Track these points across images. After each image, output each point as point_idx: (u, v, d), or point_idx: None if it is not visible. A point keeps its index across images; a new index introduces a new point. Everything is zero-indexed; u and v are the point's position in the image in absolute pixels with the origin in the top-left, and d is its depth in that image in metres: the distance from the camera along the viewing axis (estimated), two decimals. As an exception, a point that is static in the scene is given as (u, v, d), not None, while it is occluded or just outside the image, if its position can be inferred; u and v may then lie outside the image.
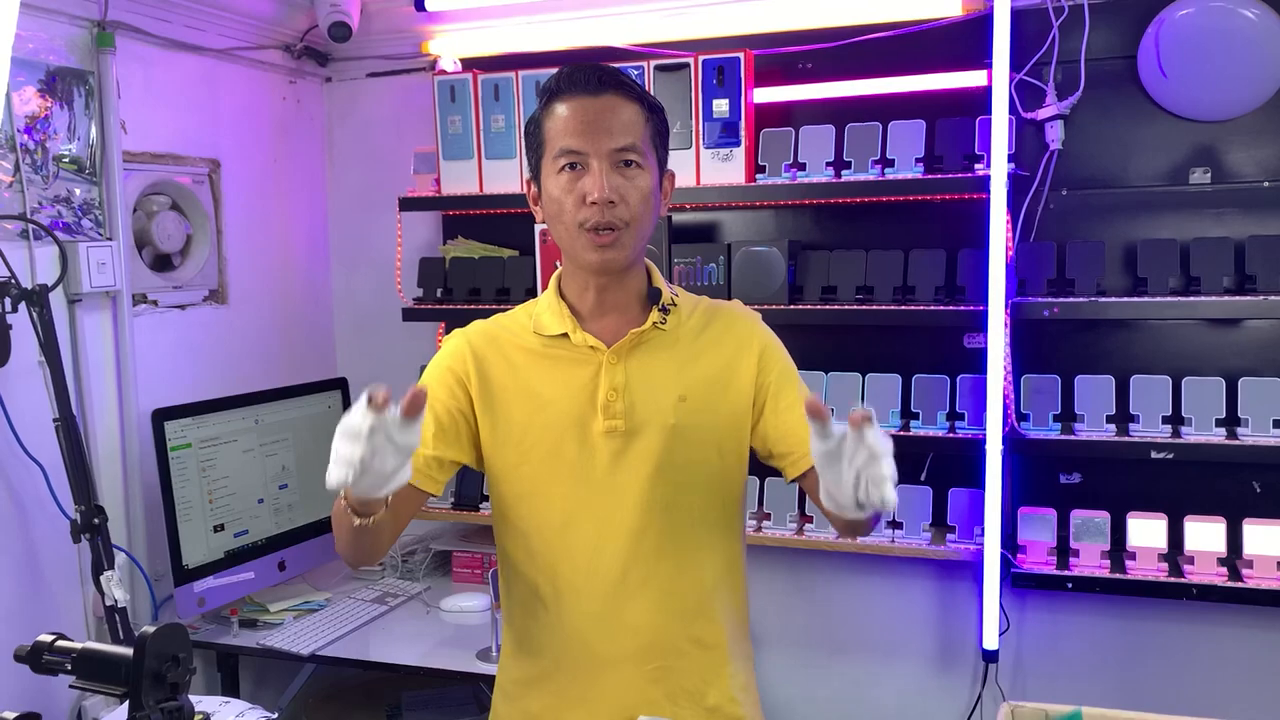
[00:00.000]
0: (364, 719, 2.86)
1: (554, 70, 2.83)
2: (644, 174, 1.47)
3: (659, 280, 1.58)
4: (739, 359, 1.57)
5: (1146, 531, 2.43)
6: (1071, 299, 2.44)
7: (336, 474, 1.18)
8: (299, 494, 2.83)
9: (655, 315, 1.54)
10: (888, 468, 1.15)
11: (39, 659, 1.13)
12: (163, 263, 2.77)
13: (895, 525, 2.61)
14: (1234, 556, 2.40)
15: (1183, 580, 2.37)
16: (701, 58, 2.62)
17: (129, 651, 1.06)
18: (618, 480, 1.51)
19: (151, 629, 1.06)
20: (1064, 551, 2.51)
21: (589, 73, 1.48)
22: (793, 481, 1.57)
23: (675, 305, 1.57)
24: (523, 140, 1.58)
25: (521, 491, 1.55)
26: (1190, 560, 2.40)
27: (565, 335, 1.53)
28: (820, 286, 2.64)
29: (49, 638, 1.14)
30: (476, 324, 1.62)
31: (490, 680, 2.43)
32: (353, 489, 1.22)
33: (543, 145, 1.49)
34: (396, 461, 1.20)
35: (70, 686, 1.13)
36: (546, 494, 1.53)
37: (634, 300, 1.55)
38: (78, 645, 1.12)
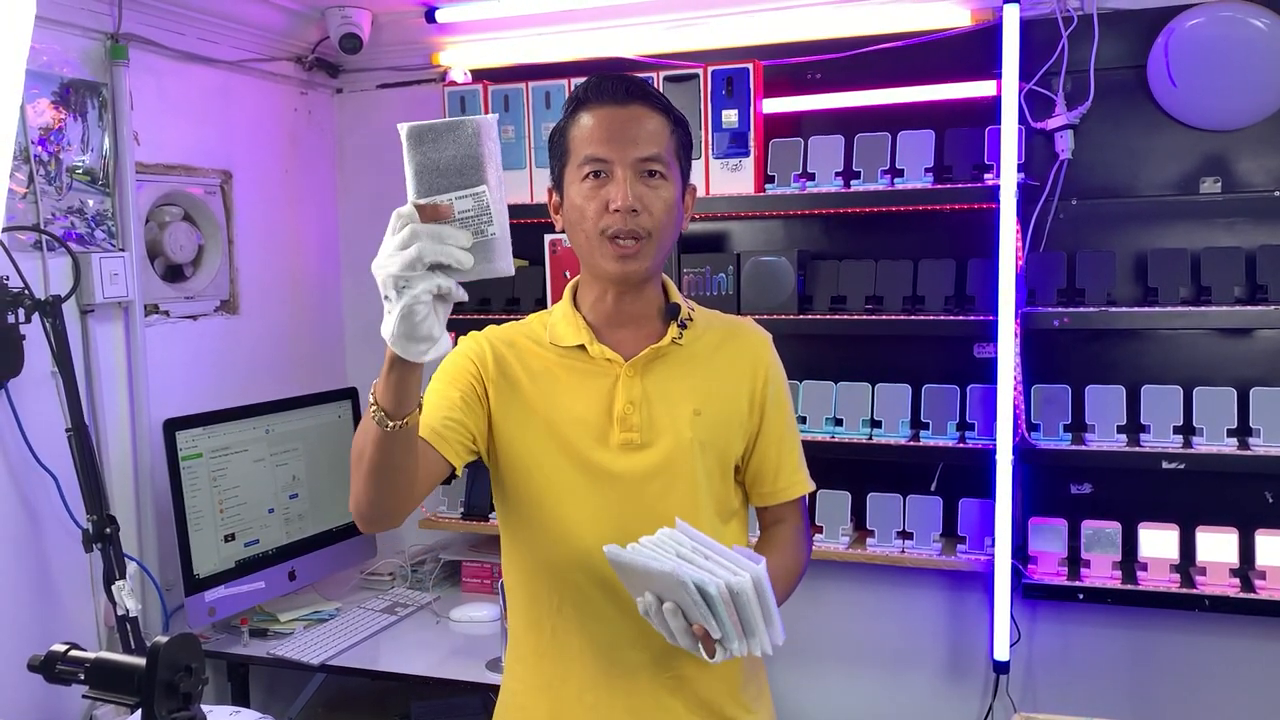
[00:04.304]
0: (373, 729, 2.86)
1: (564, 81, 2.84)
2: (667, 185, 1.48)
3: (676, 295, 1.59)
4: (748, 380, 1.58)
5: (1158, 542, 2.42)
6: (1082, 309, 2.43)
7: (415, 287, 1.10)
8: (309, 504, 2.84)
9: (674, 331, 1.54)
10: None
11: (52, 669, 1.13)
12: (175, 273, 2.79)
13: (906, 536, 2.61)
14: (1246, 567, 2.39)
15: (1194, 591, 2.36)
16: (711, 68, 2.63)
17: (142, 661, 1.06)
18: (632, 493, 1.51)
19: (164, 639, 1.06)
20: (1075, 562, 2.50)
21: (616, 82, 1.49)
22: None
23: (692, 320, 1.58)
24: (546, 149, 1.58)
25: (534, 501, 1.55)
26: (1202, 571, 2.39)
27: (582, 347, 1.53)
28: (829, 296, 2.64)
29: (62, 647, 1.14)
30: (493, 328, 1.61)
31: (499, 690, 2.44)
32: (400, 344, 1.15)
33: (567, 153, 1.49)
34: (443, 283, 1.13)
35: (83, 696, 1.13)
36: (561, 504, 1.53)
37: (651, 313, 1.56)
38: (91, 655, 1.12)
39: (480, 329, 1.63)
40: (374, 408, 1.27)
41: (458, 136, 1.14)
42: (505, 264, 1.17)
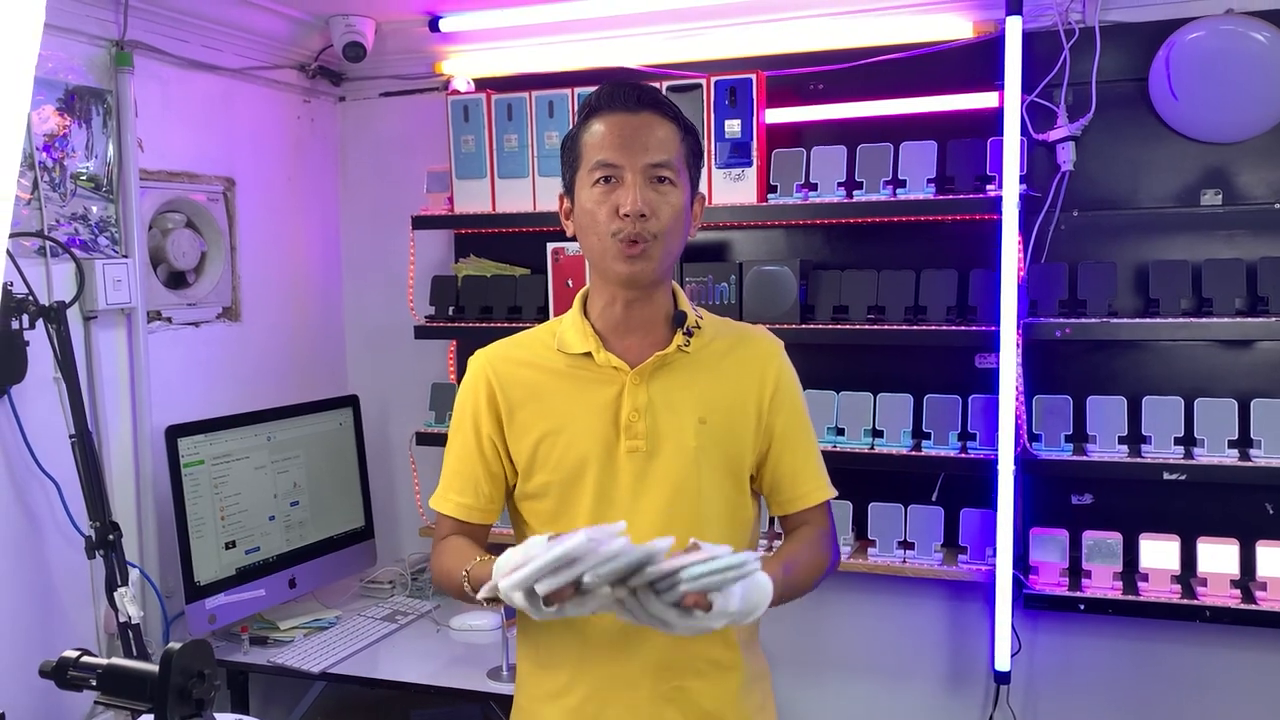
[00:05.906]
0: (373, 737, 2.86)
1: (567, 91, 2.85)
2: (676, 191, 1.50)
3: (684, 303, 1.60)
4: (755, 389, 1.59)
5: (1159, 553, 2.43)
6: (1083, 320, 2.44)
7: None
8: (310, 511, 2.83)
9: (679, 339, 1.55)
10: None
11: (64, 675, 1.13)
12: (177, 280, 2.79)
13: (907, 546, 2.61)
14: (1247, 579, 2.40)
15: (1195, 602, 2.37)
16: (714, 78, 2.64)
17: (154, 668, 1.07)
18: (639, 501, 1.52)
19: (177, 645, 1.06)
20: (1076, 573, 2.50)
21: (628, 90, 1.51)
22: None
23: (699, 328, 1.58)
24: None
25: (543, 510, 1.56)
26: (1203, 582, 2.39)
27: (589, 354, 1.54)
28: (832, 306, 2.65)
29: (74, 653, 1.14)
30: (496, 345, 1.63)
31: (499, 699, 2.44)
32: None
33: (579, 159, 1.51)
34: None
35: (95, 703, 1.13)
36: (568, 513, 1.54)
37: (659, 320, 1.57)
38: (103, 661, 1.12)
39: (482, 337, 1.64)
40: (469, 589, 1.47)
41: None
42: None
